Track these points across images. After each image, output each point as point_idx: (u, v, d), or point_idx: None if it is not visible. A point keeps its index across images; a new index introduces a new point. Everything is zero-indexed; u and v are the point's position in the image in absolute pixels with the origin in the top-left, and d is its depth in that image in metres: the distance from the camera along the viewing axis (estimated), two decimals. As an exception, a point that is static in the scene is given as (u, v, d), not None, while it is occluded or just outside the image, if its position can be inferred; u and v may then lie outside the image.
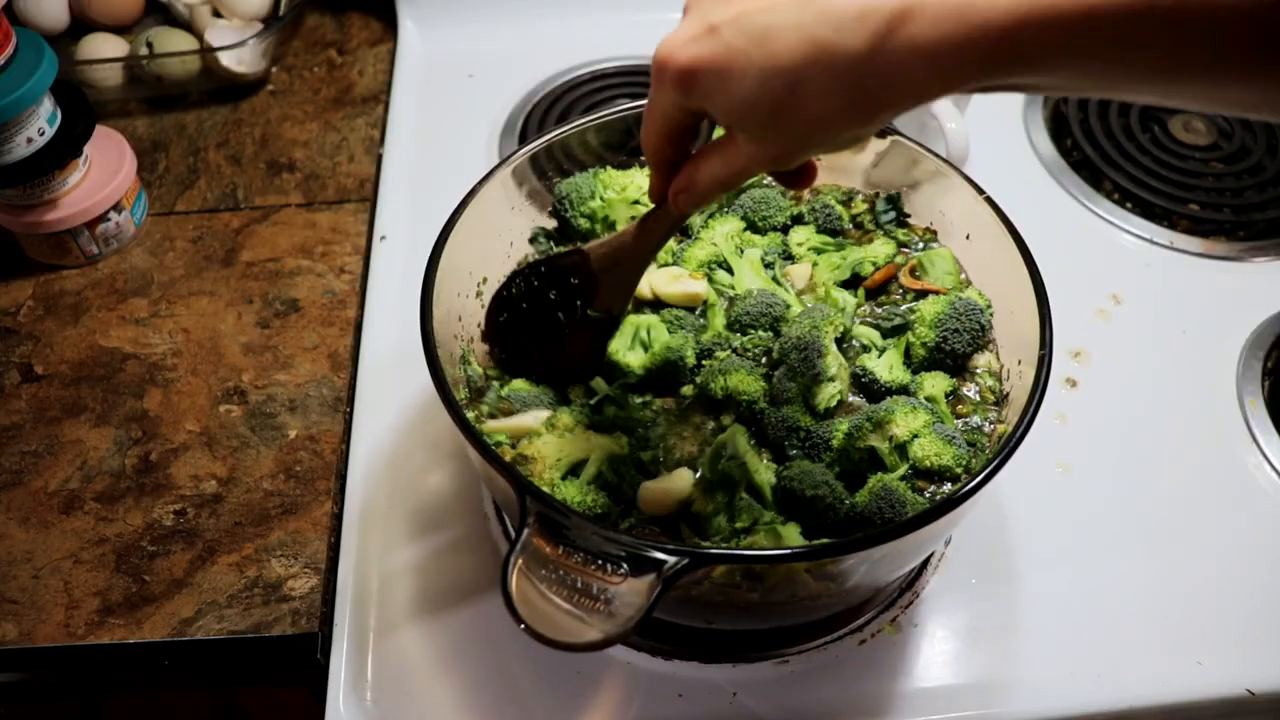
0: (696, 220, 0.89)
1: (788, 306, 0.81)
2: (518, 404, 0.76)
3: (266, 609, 0.79)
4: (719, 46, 0.52)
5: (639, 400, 0.77)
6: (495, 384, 0.79)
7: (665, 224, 0.68)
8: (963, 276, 0.84)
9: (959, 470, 0.70)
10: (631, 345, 0.79)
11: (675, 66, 0.54)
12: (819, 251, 0.86)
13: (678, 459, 0.74)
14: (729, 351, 0.78)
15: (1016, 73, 0.47)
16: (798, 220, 0.89)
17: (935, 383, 0.76)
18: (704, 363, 0.78)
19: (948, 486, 0.71)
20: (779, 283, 0.84)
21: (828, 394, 0.75)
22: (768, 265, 0.85)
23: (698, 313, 0.83)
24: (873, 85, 0.49)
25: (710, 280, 0.84)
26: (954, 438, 0.71)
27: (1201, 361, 0.95)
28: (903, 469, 0.70)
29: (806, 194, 0.91)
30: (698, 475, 0.72)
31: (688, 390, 0.78)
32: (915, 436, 0.71)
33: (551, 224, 0.89)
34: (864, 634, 0.78)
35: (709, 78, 0.53)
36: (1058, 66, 0.47)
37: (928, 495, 0.71)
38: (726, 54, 0.52)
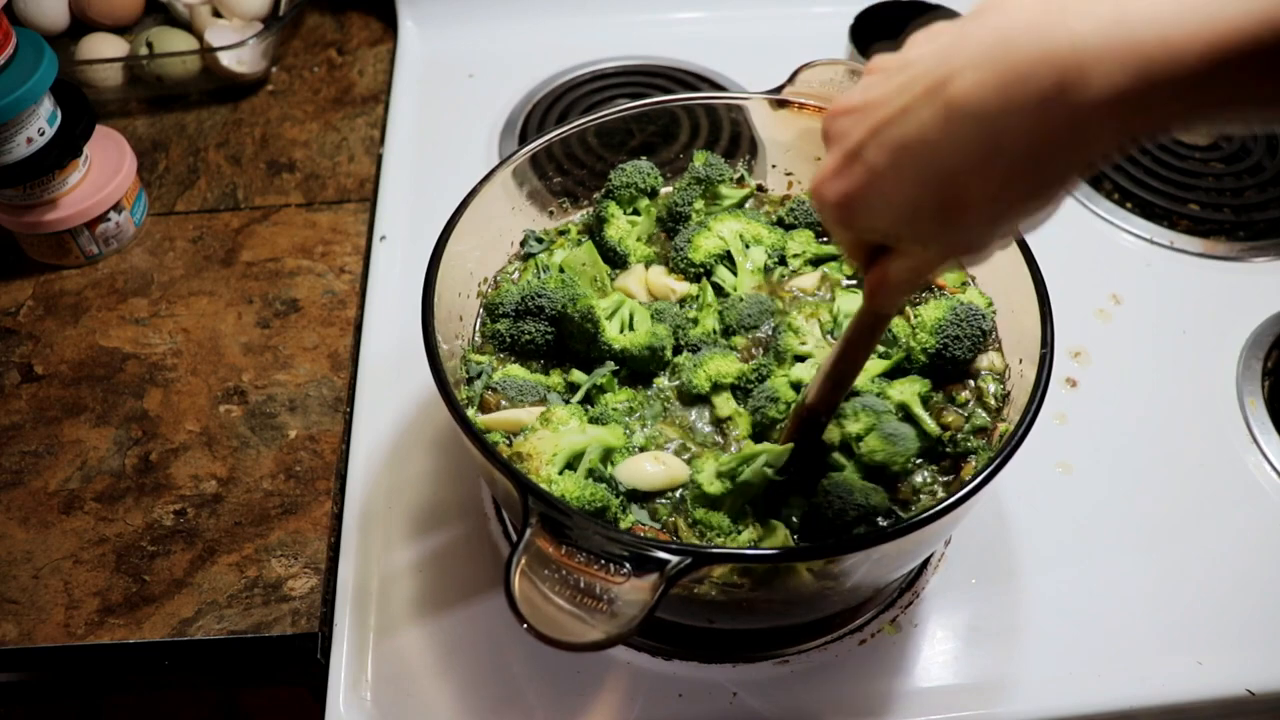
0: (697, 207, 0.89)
1: (784, 311, 0.81)
2: (511, 391, 0.76)
3: (266, 609, 0.79)
4: (864, 174, 0.49)
5: (621, 391, 0.78)
6: (486, 373, 0.78)
7: (869, 322, 0.64)
8: (967, 273, 0.84)
9: (895, 467, 0.71)
10: (613, 320, 0.79)
11: (828, 205, 0.52)
12: (818, 261, 0.86)
13: (671, 450, 0.75)
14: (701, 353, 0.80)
15: (1202, 116, 0.42)
16: (779, 224, 0.89)
17: (906, 387, 0.76)
18: (678, 360, 0.79)
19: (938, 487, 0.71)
20: (776, 294, 0.84)
21: (803, 368, 0.77)
22: (769, 269, 0.85)
23: (684, 305, 0.84)
24: (1044, 161, 0.45)
25: (710, 274, 0.84)
26: (895, 435, 0.71)
27: (1201, 361, 0.96)
28: (850, 466, 0.72)
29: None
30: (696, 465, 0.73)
31: (661, 382, 0.79)
32: (859, 437, 0.72)
33: (543, 226, 0.89)
34: (864, 634, 0.78)
35: (863, 206, 0.50)
36: (1251, 103, 0.41)
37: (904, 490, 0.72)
38: (871, 180, 0.49)
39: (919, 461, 0.73)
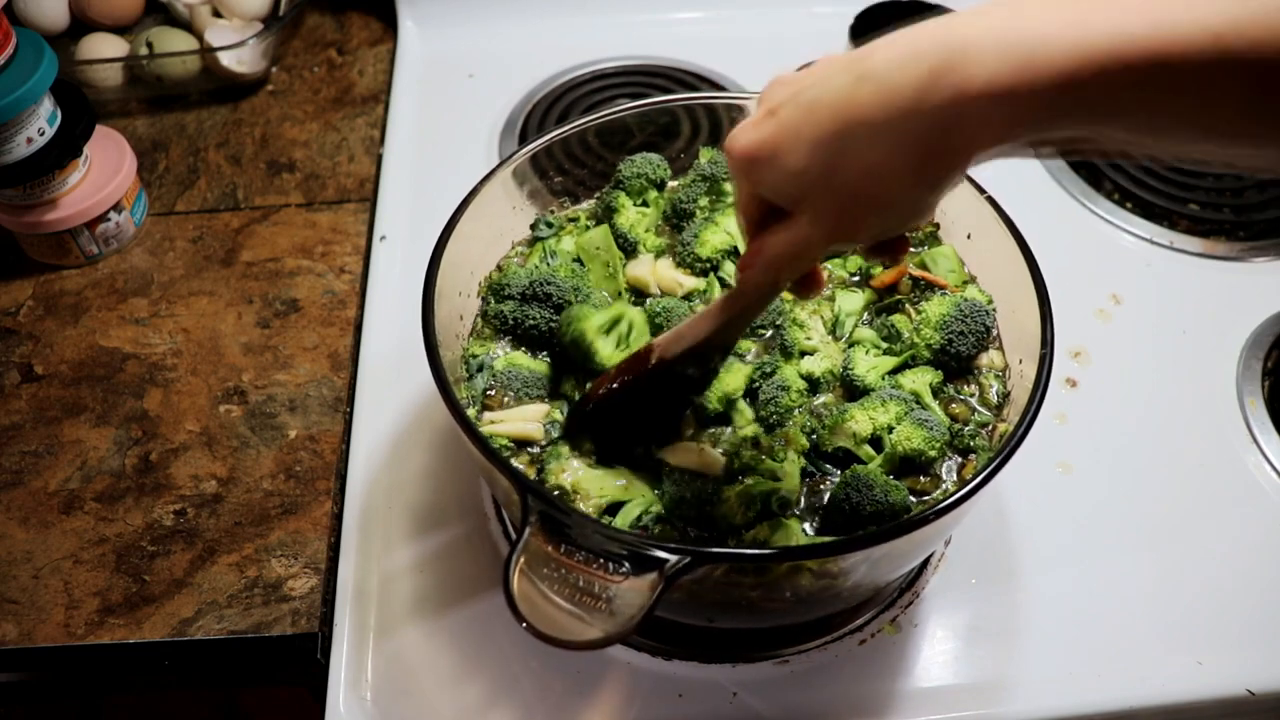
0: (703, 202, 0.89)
1: (795, 304, 0.81)
2: (515, 384, 0.76)
3: (266, 609, 0.79)
4: (774, 127, 0.52)
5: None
6: (488, 365, 0.78)
7: (740, 304, 0.64)
8: (966, 270, 0.84)
9: (931, 452, 0.71)
10: (609, 336, 0.78)
11: (735, 153, 0.54)
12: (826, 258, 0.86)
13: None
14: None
15: (1079, 120, 0.46)
16: None
17: (917, 377, 0.76)
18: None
19: (947, 478, 0.71)
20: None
21: (812, 361, 0.77)
22: None
23: (690, 300, 0.83)
24: (925, 136, 0.48)
25: (718, 269, 0.84)
26: (928, 421, 0.71)
27: (1201, 361, 0.95)
28: (878, 460, 0.71)
29: None
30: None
31: None
32: (890, 428, 0.71)
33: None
34: (864, 634, 0.78)
35: (763, 159, 0.53)
36: (1123, 113, 0.45)
37: (908, 483, 0.72)
38: (778, 133, 0.52)
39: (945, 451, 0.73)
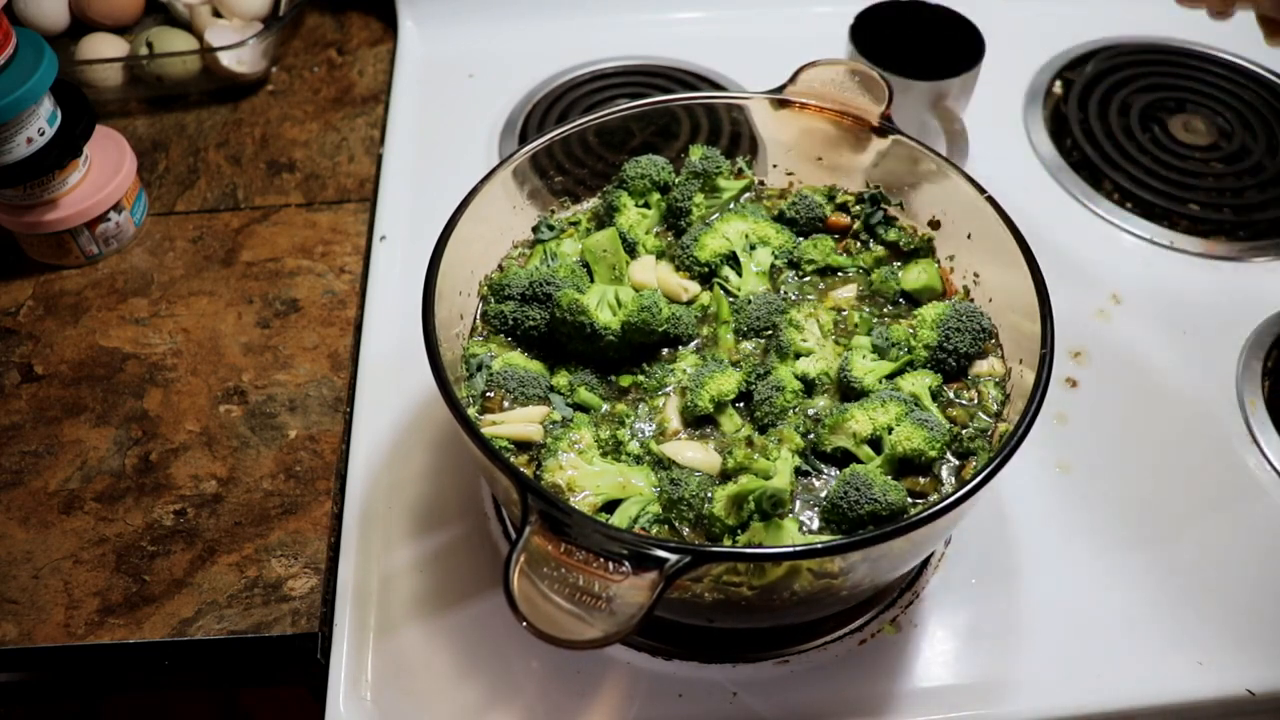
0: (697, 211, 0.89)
1: (792, 306, 0.81)
2: (513, 383, 0.76)
3: (266, 609, 0.79)
4: None
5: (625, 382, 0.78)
6: (486, 365, 0.78)
7: None
8: (957, 282, 0.84)
9: (932, 452, 0.71)
10: (602, 307, 0.79)
11: None
12: (834, 271, 0.85)
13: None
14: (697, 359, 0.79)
15: None
16: (780, 217, 0.89)
17: (916, 380, 0.76)
18: (677, 368, 0.79)
19: (948, 477, 0.71)
20: (783, 292, 0.84)
21: (807, 363, 0.77)
22: (775, 270, 0.85)
23: (690, 305, 0.83)
24: None
25: (715, 274, 0.84)
26: (928, 422, 0.71)
27: (1201, 361, 0.95)
28: (877, 460, 0.71)
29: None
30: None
31: (656, 403, 0.77)
32: (890, 428, 0.71)
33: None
34: (864, 634, 0.78)
35: None
36: None
37: (907, 483, 0.71)
38: None
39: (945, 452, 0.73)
